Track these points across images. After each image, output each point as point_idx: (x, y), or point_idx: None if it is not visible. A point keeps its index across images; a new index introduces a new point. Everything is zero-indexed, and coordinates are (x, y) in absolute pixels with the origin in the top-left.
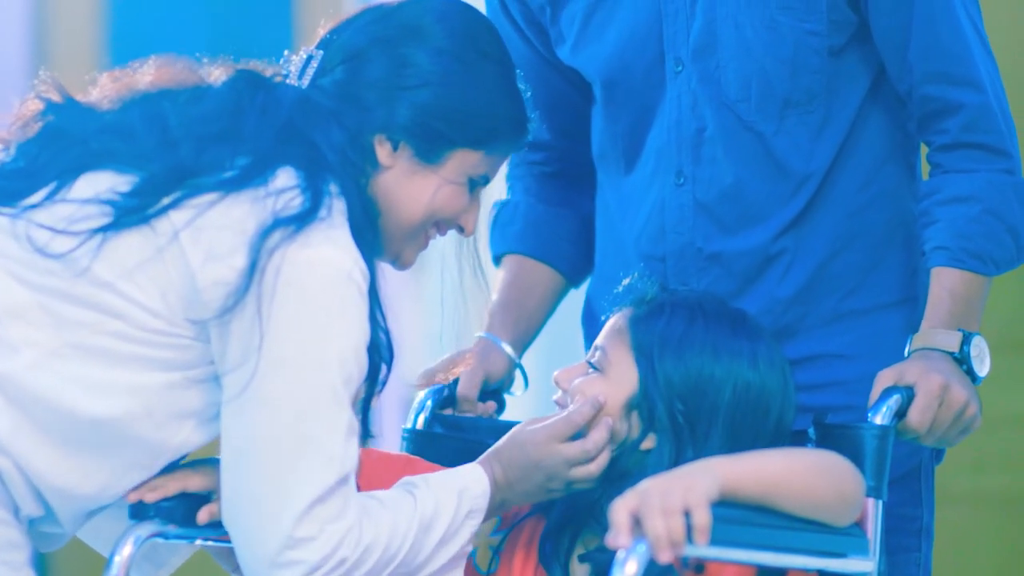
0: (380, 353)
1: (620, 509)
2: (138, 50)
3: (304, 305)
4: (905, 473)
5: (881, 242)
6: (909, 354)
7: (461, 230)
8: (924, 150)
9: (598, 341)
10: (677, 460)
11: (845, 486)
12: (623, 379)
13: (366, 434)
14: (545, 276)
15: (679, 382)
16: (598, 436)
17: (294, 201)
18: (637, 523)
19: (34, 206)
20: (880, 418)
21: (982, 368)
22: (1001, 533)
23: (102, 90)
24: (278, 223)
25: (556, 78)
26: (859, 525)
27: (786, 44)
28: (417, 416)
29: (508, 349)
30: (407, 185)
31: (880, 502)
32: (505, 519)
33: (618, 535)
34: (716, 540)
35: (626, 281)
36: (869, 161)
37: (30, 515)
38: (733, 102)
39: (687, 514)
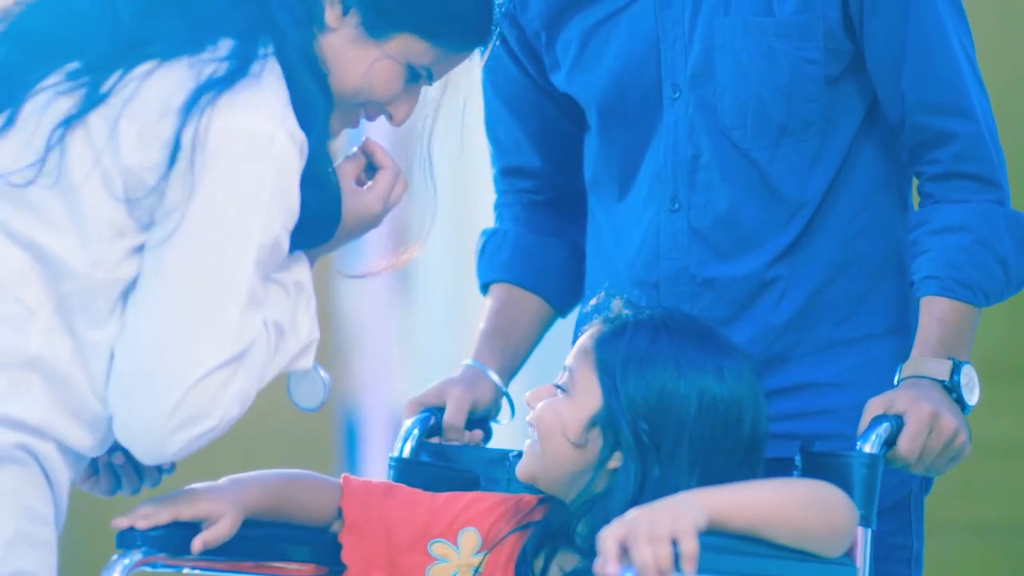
0: (329, 207)
1: (607, 538)
2: None
3: (227, 174)
4: (896, 502)
5: (874, 271)
6: (899, 382)
7: (391, 118)
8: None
9: (566, 361)
10: (643, 479)
11: (837, 519)
12: (588, 399)
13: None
14: (533, 305)
15: (642, 400)
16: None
17: (221, 67)
18: (625, 552)
19: None
20: (869, 446)
21: (971, 397)
22: (990, 561)
23: None
24: (201, 90)
25: (549, 105)
26: (849, 554)
27: (783, 72)
28: (404, 444)
29: (495, 377)
30: (346, 53)
31: (869, 531)
32: (486, 541)
33: (606, 563)
34: (704, 568)
35: (593, 301)
36: (863, 190)
37: (63, 489)
38: (729, 129)
39: (675, 543)
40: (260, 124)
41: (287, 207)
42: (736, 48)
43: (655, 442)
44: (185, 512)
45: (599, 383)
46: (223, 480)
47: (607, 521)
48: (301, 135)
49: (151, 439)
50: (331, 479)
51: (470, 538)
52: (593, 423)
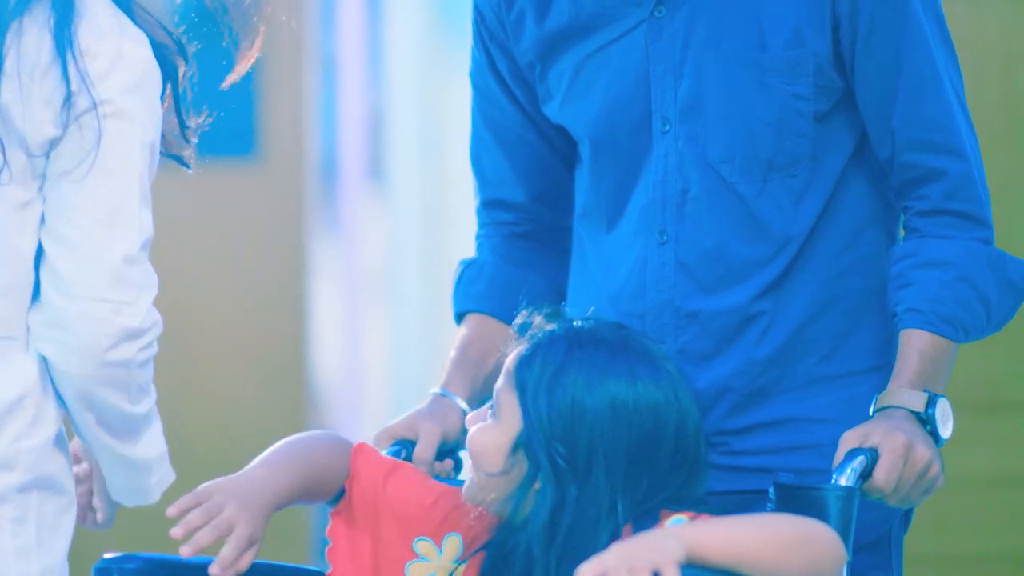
0: (172, 54)
1: (586, 573)
2: None
3: (110, 93)
4: (877, 538)
5: (858, 308)
6: (874, 413)
7: None
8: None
9: (496, 384)
10: (562, 499)
11: (823, 562)
12: (511, 423)
13: (183, 126)
14: (507, 337)
15: (554, 419)
16: None
17: (53, 8)
18: None
19: None
20: (844, 479)
21: (945, 431)
22: None
23: None
24: (58, 36)
25: (538, 140)
26: None
27: (773, 107)
28: None
29: (464, 406)
30: None
31: (845, 564)
32: (467, 549)
33: None
34: None
35: (519, 320)
36: (850, 226)
37: None
38: (717, 163)
39: (656, 575)
40: (110, 44)
41: (154, 110)
42: (726, 82)
43: (571, 462)
44: (226, 532)
45: (519, 405)
46: (255, 469)
47: (529, 545)
48: (140, 33)
49: (88, 341)
50: (343, 443)
51: (453, 543)
52: (516, 447)
